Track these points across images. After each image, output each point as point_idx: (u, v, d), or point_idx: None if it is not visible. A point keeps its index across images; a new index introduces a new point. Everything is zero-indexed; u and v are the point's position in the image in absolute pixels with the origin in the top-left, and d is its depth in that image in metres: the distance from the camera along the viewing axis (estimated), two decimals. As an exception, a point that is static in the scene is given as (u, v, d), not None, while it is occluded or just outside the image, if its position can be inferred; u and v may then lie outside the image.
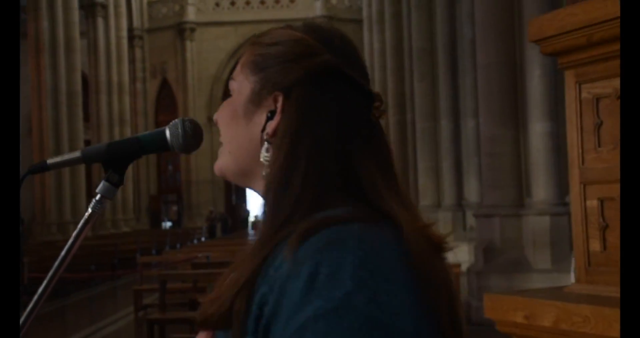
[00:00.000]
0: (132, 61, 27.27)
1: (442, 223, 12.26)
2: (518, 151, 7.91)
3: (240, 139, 0.86)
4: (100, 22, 24.40)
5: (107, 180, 0.94)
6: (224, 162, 0.88)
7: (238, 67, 0.90)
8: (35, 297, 0.96)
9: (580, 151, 2.04)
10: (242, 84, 0.87)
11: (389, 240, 0.75)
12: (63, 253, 0.93)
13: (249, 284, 0.74)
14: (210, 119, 28.06)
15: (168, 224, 27.51)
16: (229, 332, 0.75)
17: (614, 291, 1.81)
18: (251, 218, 27.70)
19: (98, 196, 0.94)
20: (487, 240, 7.95)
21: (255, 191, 0.88)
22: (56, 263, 0.93)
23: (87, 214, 0.93)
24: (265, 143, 0.83)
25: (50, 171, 0.96)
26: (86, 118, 22.66)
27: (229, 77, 0.92)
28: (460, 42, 12.04)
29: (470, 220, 8.87)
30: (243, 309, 0.74)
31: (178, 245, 17.23)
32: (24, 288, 10.32)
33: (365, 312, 0.68)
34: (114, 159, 0.94)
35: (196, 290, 7.97)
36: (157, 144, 0.95)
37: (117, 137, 24.55)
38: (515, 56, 7.86)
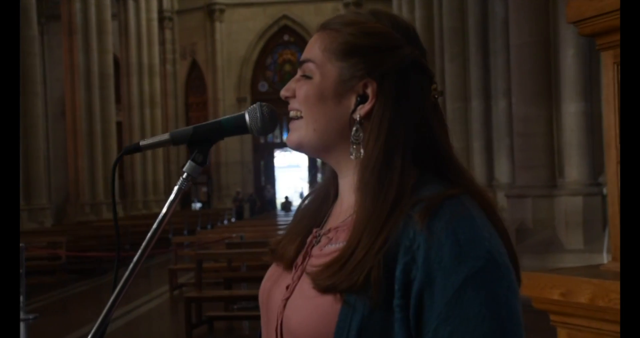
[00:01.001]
0: (162, 42, 27.42)
1: (473, 204, 12.27)
2: (551, 131, 7.88)
3: (328, 119, 0.96)
4: (130, 4, 24.55)
5: (192, 160, 1.00)
6: (307, 137, 0.97)
7: (315, 50, 0.98)
8: (126, 273, 1.03)
9: (617, 131, 2.05)
10: (326, 68, 0.96)
11: (477, 206, 0.91)
12: (154, 227, 1.00)
13: (382, 256, 0.86)
14: (239, 100, 28.19)
15: (198, 205, 27.81)
16: (361, 294, 0.86)
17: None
18: (281, 199, 27.85)
19: (185, 175, 1.01)
20: (519, 220, 7.96)
21: (328, 162, 1.01)
22: (146, 239, 1.01)
23: (175, 190, 1.00)
24: (356, 124, 0.94)
25: (141, 152, 1.03)
26: (118, 100, 22.92)
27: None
28: (492, 21, 11.92)
29: (502, 201, 8.87)
30: (382, 277, 0.85)
31: (209, 226, 17.46)
32: (62, 266, 10.61)
33: (500, 261, 0.86)
34: (199, 141, 1.01)
35: (230, 269, 8.12)
36: (237, 127, 1.02)
37: (147, 118, 24.83)
38: (549, 35, 7.78)
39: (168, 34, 28.26)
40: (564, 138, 7.74)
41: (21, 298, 7.97)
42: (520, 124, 8.09)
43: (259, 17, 28.38)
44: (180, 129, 1.01)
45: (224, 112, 27.15)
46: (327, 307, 0.88)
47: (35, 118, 16.37)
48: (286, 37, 29.08)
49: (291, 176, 31.29)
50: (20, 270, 8.36)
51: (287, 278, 0.98)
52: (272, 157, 29.50)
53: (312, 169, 29.99)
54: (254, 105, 1.02)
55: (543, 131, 7.83)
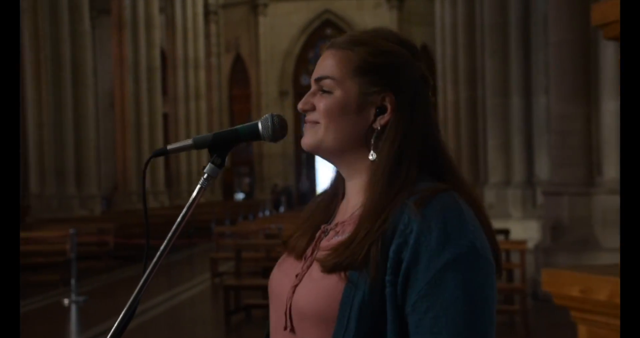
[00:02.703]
0: (207, 36, 27.83)
1: (511, 200, 12.23)
2: (589, 129, 7.84)
3: (349, 129, 1.08)
4: (177, -2, 25.01)
5: (212, 162, 1.18)
6: (325, 142, 1.09)
7: (333, 68, 1.10)
8: (151, 264, 1.20)
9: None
10: (346, 84, 1.08)
11: (465, 202, 1.03)
12: (177, 222, 1.18)
13: (376, 236, 0.99)
14: (282, 93, 28.45)
15: (240, 196, 28.18)
16: (362, 272, 0.98)
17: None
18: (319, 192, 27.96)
19: (205, 175, 1.18)
20: (555, 218, 7.95)
21: (338, 165, 1.13)
22: (170, 233, 1.18)
23: (197, 189, 1.18)
24: (376, 132, 1.08)
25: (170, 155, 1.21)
26: (164, 92, 23.39)
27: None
28: (535, 17, 11.84)
29: (541, 198, 8.85)
30: (379, 255, 0.98)
31: (250, 216, 17.76)
32: (110, 252, 11.01)
33: (481, 253, 0.98)
34: (218, 146, 1.17)
35: (268, 259, 8.35)
36: (251, 134, 1.17)
37: (192, 110, 25.29)
38: (589, 32, 7.74)
39: (213, 27, 28.66)
40: (602, 136, 7.70)
41: (72, 281, 8.38)
42: (557, 121, 8.08)
43: (302, 12, 28.54)
44: (202, 135, 1.18)
45: (267, 105, 27.48)
46: (332, 286, 1.00)
47: (86, 110, 16.87)
48: (328, 31, 29.13)
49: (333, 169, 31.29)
50: (71, 255, 8.78)
51: (297, 268, 1.09)
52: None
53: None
54: (266, 115, 1.18)
55: (580, 128, 7.80)
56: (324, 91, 1.10)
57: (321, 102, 1.09)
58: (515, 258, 7.64)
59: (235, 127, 1.19)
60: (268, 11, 28.73)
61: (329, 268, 1.01)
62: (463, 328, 0.95)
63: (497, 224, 11.22)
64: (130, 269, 11.37)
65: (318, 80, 1.11)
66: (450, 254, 0.96)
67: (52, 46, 16.11)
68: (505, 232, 9.29)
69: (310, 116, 1.11)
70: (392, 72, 1.08)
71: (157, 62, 21.89)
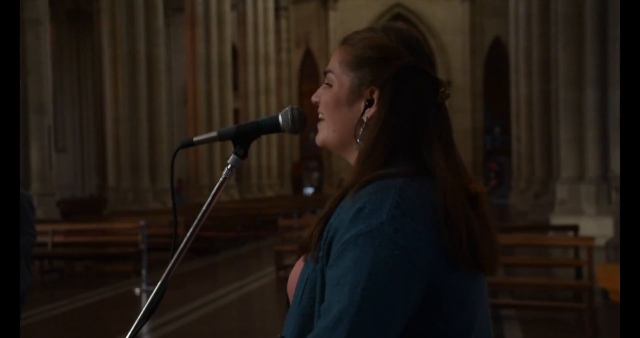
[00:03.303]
0: (277, 32, 28.15)
1: (584, 196, 11.84)
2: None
3: (344, 121, 1.15)
4: (249, -5, 25.39)
5: (235, 154, 1.22)
6: (328, 136, 1.17)
7: (334, 63, 1.17)
8: (177, 252, 1.25)
9: None
10: (342, 78, 1.15)
11: (425, 190, 1.03)
12: (202, 210, 1.22)
13: (326, 218, 1.05)
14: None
15: (309, 190, 28.40)
16: (311, 253, 1.06)
17: None
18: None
19: (229, 166, 1.23)
20: (628, 215, 7.66)
21: (346, 158, 1.19)
22: (195, 222, 1.23)
23: (220, 179, 1.22)
24: (364, 124, 1.12)
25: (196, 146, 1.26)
26: (235, 87, 23.81)
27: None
28: (612, 6, 11.39)
29: (616, 194, 8.52)
30: (317, 235, 1.05)
31: (318, 210, 17.89)
32: (178, 244, 11.30)
33: (391, 237, 0.98)
34: (241, 138, 1.23)
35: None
36: (272, 127, 1.23)
37: (262, 105, 25.65)
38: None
39: (283, 23, 28.95)
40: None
41: (143, 271, 8.69)
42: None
43: (372, 6, 28.46)
44: (226, 128, 1.23)
45: (337, 99, 27.53)
46: (299, 268, 1.12)
47: (159, 105, 17.38)
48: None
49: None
50: (142, 246, 9.10)
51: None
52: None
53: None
54: (286, 108, 1.23)
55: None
56: (328, 85, 1.17)
57: (323, 96, 1.18)
58: (584, 255, 7.41)
59: (257, 120, 1.24)
60: (338, 6, 28.79)
61: (298, 250, 1.11)
62: (347, 299, 0.95)
63: (568, 220, 10.88)
64: (200, 261, 11.67)
65: (325, 74, 1.19)
66: (356, 230, 0.98)
67: (128, 43, 16.68)
68: (574, 228, 9.01)
69: (319, 108, 1.18)
70: (379, 65, 1.12)
71: (229, 58, 22.31)
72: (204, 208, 1.22)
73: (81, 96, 28.12)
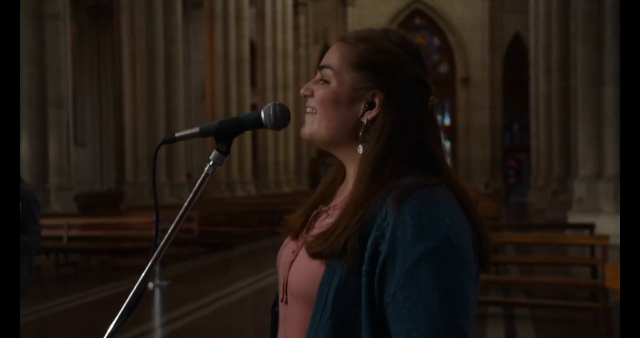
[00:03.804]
0: (295, 28, 28.15)
1: (603, 194, 11.70)
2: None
3: (339, 120, 1.14)
4: (267, -10, 25.40)
5: (217, 150, 1.21)
6: (319, 132, 1.16)
7: (334, 59, 1.16)
8: (159, 248, 1.23)
9: None
10: (343, 76, 1.14)
11: (450, 196, 1.08)
12: (184, 207, 1.21)
13: (356, 227, 1.04)
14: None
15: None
16: (340, 260, 1.04)
17: None
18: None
19: (211, 162, 1.21)
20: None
21: (334, 154, 1.19)
22: (177, 218, 1.21)
23: (202, 176, 1.21)
24: (364, 126, 1.13)
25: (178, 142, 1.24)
26: (253, 83, 23.85)
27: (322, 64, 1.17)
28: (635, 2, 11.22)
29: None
30: (356, 246, 1.04)
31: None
32: (194, 239, 11.37)
33: (456, 245, 1.02)
34: (223, 134, 1.21)
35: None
36: (255, 123, 1.21)
37: (280, 101, 25.28)
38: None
39: (302, 19, 28.94)
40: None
41: (156, 266, 8.74)
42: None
43: (391, 2, 28.35)
44: (209, 123, 1.22)
45: (354, 96, 27.48)
46: (315, 269, 1.07)
47: (176, 100, 17.46)
48: (417, 21, 28.84)
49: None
50: (157, 241, 9.15)
51: (295, 245, 1.17)
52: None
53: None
54: (269, 104, 1.21)
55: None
56: (324, 81, 1.16)
57: (319, 91, 1.16)
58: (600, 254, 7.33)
59: (239, 115, 1.22)
60: (357, 2, 28.72)
61: (312, 255, 1.08)
62: (439, 316, 0.99)
63: (585, 218, 10.75)
64: (214, 256, 11.72)
65: (320, 68, 1.17)
66: (425, 247, 1.00)
67: (146, 39, 16.77)
68: (590, 227, 8.91)
69: (309, 102, 1.18)
70: (385, 71, 1.12)
71: (246, 53, 22.35)
72: (186, 204, 1.21)
73: (101, 91, 28.35)
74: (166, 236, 1.24)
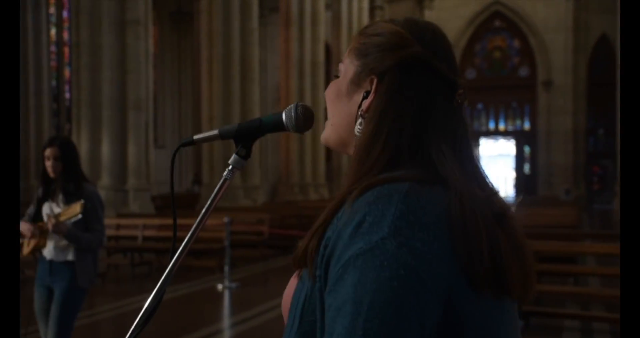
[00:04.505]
0: (372, 31, 28.04)
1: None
2: None
3: (342, 114, 1.04)
4: (344, -6, 25.42)
5: (237, 154, 1.14)
6: (328, 133, 1.07)
7: (346, 52, 1.07)
8: (178, 251, 1.18)
9: None
10: (348, 67, 1.04)
11: (436, 197, 0.88)
12: (202, 213, 1.15)
13: (321, 229, 0.91)
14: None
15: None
16: (307, 268, 0.93)
17: None
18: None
19: (230, 167, 1.14)
20: None
21: (349, 156, 1.06)
22: (195, 224, 1.15)
23: (221, 181, 1.14)
24: (360, 118, 0.99)
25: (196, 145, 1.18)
26: (327, 86, 23.87)
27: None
28: None
29: None
30: (314, 249, 0.91)
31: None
32: (264, 241, 11.44)
33: (395, 254, 0.82)
34: (242, 136, 1.14)
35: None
36: (275, 125, 1.13)
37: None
38: None
39: (378, 22, 28.82)
40: None
41: (226, 268, 8.81)
42: None
43: (470, 4, 27.80)
44: (228, 126, 1.15)
45: (430, 99, 27.14)
46: (293, 283, 0.99)
47: (252, 104, 17.67)
48: (497, 23, 28.15)
49: (501, 165, 30.39)
50: (225, 243, 9.24)
51: None
52: (477, 145, 28.88)
53: (520, 158, 28.85)
54: (291, 105, 1.13)
55: None
56: (336, 76, 1.07)
57: (327, 89, 1.08)
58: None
59: (260, 117, 1.15)
60: (434, 4, 28.35)
61: (293, 263, 0.98)
62: (346, 332, 0.81)
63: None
64: (284, 259, 11.74)
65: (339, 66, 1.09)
66: (354, 249, 0.84)
67: (223, 43, 17.06)
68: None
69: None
70: (379, 54, 1.00)
71: (321, 57, 22.42)
72: (204, 210, 1.15)
73: (181, 94, 29.12)
74: (184, 242, 1.19)
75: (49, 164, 4.02)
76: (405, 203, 0.86)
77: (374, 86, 0.99)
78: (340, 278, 0.84)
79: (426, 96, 0.97)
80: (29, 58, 20.19)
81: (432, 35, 1.01)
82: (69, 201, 4.02)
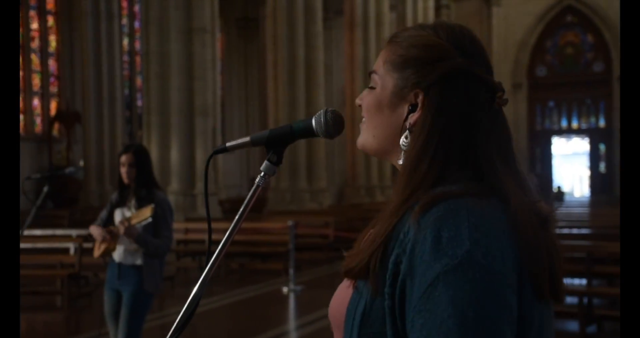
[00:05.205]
0: (437, 30, 27.72)
1: None
2: None
3: (385, 126, 1.05)
4: (409, -6, 25.23)
5: (268, 160, 1.14)
6: (367, 140, 1.08)
7: (379, 62, 1.07)
8: (214, 256, 1.18)
9: None
10: (385, 79, 1.05)
11: (495, 210, 0.91)
12: (236, 219, 1.14)
13: (382, 245, 0.93)
14: (515, 86, 27.28)
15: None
16: (367, 281, 0.94)
17: None
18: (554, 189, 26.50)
19: (262, 173, 1.14)
20: None
21: (391, 162, 1.08)
22: (229, 229, 1.15)
23: (253, 187, 1.13)
24: (407, 131, 1.01)
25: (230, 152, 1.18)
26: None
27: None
28: None
29: None
30: (378, 265, 0.92)
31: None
32: (329, 244, 11.44)
33: (482, 264, 0.86)
34: (273, 143, 1.14)
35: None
36: (306, 131, 1.13)
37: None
38: None
39: (444, 21, 28.46)
40: None
41: (291, 271, 8.87)
42: None
43: (540, 0, 27.07)
44: (260, 132, 1.14)
45: (499, 98, 26.60)
46: (345, 292, 0.99)
47: (317, 107, 17.73)
48: (569, 18, 27.29)
49: (575, 164, 29.49)
50: (290, 246, 9.30)
51: None
52: (549, 144, 28.06)
53: (594, 156, 27.85)
54: (321, 111, 1.12)
55: None
56: (371, 87, 1.08)
57: (365, 99, 1.08)
58: None
59: (290, 124, 1.14)
60: (502, 1, 27.76)
61: (343, 272, 0.99)
62: None
63: None
64: (339, 261, 11.71)
65: (369, 75, 1.11)
66: (442, 265, 0.86)
67: (288, 47, 17.21)
68: None
69: (362, 111, 1.10)
70: (424, 67, 1.01)
71: (386, 59, 22.29)
72: (237, 217, 1.14)
73: (248, 99, 29.56)
74: (219, 247, 1.19)
75: (123, 170, 4.14)
76: (474, 216, 0.89)
77: (420, 100, 1.00)
78: (430, 297, 0.86)
79: (472, 106, 0.99)
80: (103, 67, 20.93)
81: (469, 42, 1.02)
82: (140, 206, 4.13)
